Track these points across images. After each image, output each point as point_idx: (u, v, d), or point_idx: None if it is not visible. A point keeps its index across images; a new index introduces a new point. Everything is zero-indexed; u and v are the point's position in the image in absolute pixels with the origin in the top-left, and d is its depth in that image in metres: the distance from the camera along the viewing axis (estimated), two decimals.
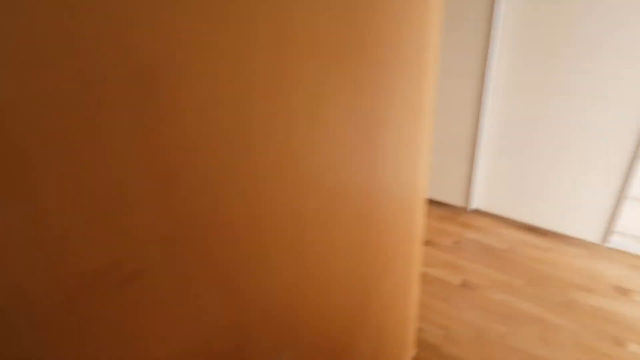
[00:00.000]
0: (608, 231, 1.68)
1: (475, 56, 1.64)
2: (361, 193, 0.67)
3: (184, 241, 0.38)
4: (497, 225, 1.93)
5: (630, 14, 1.33)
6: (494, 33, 1.55)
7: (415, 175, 0.87)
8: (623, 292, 1.57)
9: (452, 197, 1.97)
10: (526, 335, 1.40)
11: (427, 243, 1.82)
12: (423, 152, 0.87)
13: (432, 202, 2.10)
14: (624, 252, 1.76)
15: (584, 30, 1.42)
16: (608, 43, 1.40)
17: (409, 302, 1.10)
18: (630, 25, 1.35)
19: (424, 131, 0.84)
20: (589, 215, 1.70)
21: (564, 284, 1.60)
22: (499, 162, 1.80)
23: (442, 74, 1.74)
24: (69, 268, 0.30)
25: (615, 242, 1.75)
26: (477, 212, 2.01)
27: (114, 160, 0.31)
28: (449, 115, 1.80)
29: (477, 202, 1.93)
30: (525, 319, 1.46)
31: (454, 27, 1.63)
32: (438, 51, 0.81)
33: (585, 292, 1.56)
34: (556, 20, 1.46)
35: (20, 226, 0.26)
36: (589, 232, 1.73)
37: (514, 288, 1.59)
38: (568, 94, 1.54)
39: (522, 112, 1.66)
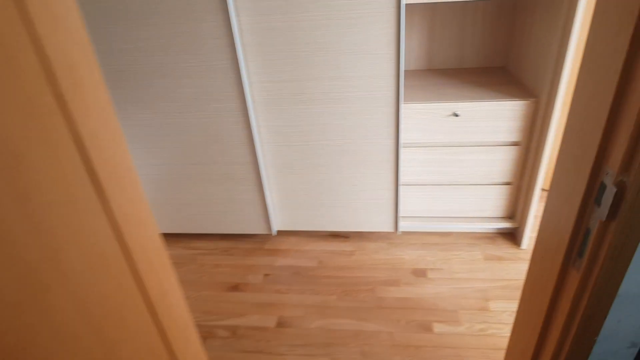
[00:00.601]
0: (397, 218, 1.77)
1: (228, 77, 1.49)
2: None
3: None
4: (304, 242, 1.87)
5: (361, 17, 1.35)
6: (238, 51, 1.43)
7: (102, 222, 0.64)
8: (420, 273, 1.66)
9: (254, 227, 1.83)
10: (348, 357, 1.35)
11: (235, 288, 1.64)
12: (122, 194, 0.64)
13: (236, 237, 1.93)
14: (414, 233, 1.89)
15: (320, 37, 1.41)
16: (346, 46, 1.41)
17: None
18: (377, 26, 1.37)
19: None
20: (379, 208, 1.76)
21: (372, 284, 1.62)
22: (286, 179, 1.72)
23: (201, 100, 1.55)
24: None
25: (404, 226, 1.86)
26: (283, 234, 1.93)
27: None
28: (225, 144, 1.63)
29: (279, 224, 1.84)
30: (345, 338, 1.41)
31: (197, 50, 1.45)
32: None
33: (390, 287, 1.60)
34: (289, 29, 1.41)
35: None
36: (383, 223, 1.79)
37: (329, 307, 1.53)
38: (326, 99, 1.52)
39: (290, 125, 1.60)
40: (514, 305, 1.50)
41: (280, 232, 1.93)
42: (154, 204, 1.83)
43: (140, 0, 1.38)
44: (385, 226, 1.80)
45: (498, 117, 1.57)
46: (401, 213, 1.84)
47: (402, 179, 1.74)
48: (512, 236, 1.85)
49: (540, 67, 1.53)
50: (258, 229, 1.83)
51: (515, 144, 1.63)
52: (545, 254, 0.65)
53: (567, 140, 0.59)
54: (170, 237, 1.96)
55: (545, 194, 2.10)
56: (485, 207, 1.78)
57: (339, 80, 1.48)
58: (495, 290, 1.57)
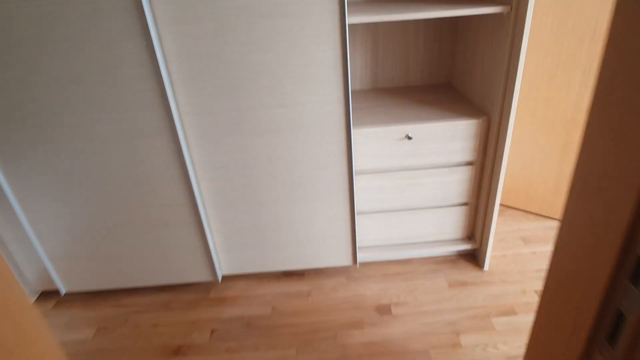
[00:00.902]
0: (354, 250, 1.63)
1: (155, 110, 1.29)
2: None
3: None
4: (254, 285, 1.68)
5: (302, 40, 1.21)
6: (164, 80, 1.24)
7: None
8: (384, 310, 1.53)
9: (196, 274, 1.61)
10: None
11: (177, 352, 1.41)
12: None
13: (175, 288, 1.69)
14: (373, 264, 1.77)
15: (258, 63, 1.25)
16: (287, 71, 1.27)
17: None
18: (321, 48, 1.23)
19: None
20: (335, 241, 1.61)
21: (334, 329, 1.46)
22: (230, 218, 1.53)
23: (123, 138, 1.33)
24: None
25: (363, 257, 1.73)
26: (229, 279, 1.72)
27: None
28: (155, 185, 1.42)
29: (225, 268, 1.63)
30: None
31: (115, 80, 1.24)
32: None
33: (354, 330, 1.46)
34: (222, 54, 1.24)
35: None
36: (340, 257, 1.65)
37: None
38: (269, 129, 1.36)
39: (231, 159, 1.42)
40: (485, 338, 1.40)
41: (226, 277, 1.72)
42: (74, 259, 1.56)
43: (40, 23, 1.15)
44: (343, 260, 1.66)
45: (452, 137, 1.49)
46: (359, 244, 1.71)
47: (357, 207, 1.62)
48: (473, 257, 1.78)
49: (488, 84, 1.47)
50: (201, 276, 1.62)
51: (469, 163, 1.56)
52: (555, 330, 0.53)
53: (577, 192, 0.47)
54: (96, 296, 1.68)
55: (503, 209, 2.07)
56: (444, 229, 1.70)
57: (281, 108, 1.33)
58: (465, 322, 1.47)
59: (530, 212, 2.05)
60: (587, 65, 1.63)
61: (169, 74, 1.26)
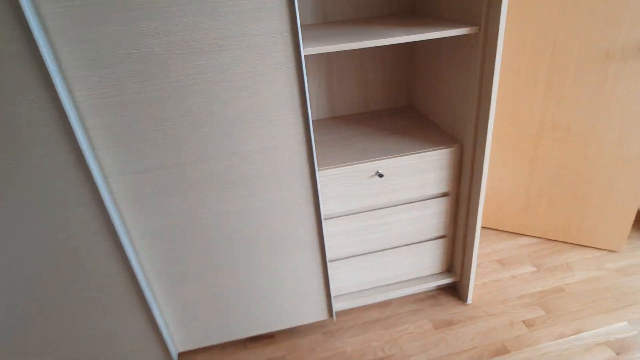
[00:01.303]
0: (329, 302, 1.45)
1: (71, 176, 1.03)
2: None
3: None
4: (217, 359, 1.44)
5: (251, 78, 1.01)
6: (79, 138, 0.98)
7: None
8: None
9: (144, 357, 1.34)
10: None
11: None
12: None
13: None
14: (349, 311, 1.58)
15: (199, 107, 1.03)
16: (235, 114, 1.06)
17: None
18: (275, 86, 1.03)
19: None
20: (307, 296, 1.41)
21: None
22: (181, 288, 1.29)
23: (34, 213, 1.05)
24: None
25: (339, 307, 1.54)
26: (187, 356, 1.46)
27: None
28: (82, 264, 1.14)
29: (181, 345, 1.38)
30: None
31: (14, 144, 0.96)
32: None
33: None
34: (153, 100, 1.01)
35: None
36: (315, 312, 1.45)
37: None
38: (219, 183, 1.14)
39: (176, 223, 1.18)
40: None
41: (183, 355, 1.46)
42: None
43: None
44: (318, 314, 1.46)
45: (424, 169, 1.35)
46: (333, 293, 1.52)
47: (329, 255, 1.43)
48: (454, 290, 1.66)
49: (457, 108, 1.35)
50: (152, 357, 1.35)
51: (444, 194, 1.43)
52: None
53: None
54: None
55: (489, 232, 1.96)
56: (422, 266, 1.56)
57: (233, 158, 1.12)
58: None
59: (502, 231, 1.97)
60: (549, 79, 1.57)
61: (86, 130, 1.00)
